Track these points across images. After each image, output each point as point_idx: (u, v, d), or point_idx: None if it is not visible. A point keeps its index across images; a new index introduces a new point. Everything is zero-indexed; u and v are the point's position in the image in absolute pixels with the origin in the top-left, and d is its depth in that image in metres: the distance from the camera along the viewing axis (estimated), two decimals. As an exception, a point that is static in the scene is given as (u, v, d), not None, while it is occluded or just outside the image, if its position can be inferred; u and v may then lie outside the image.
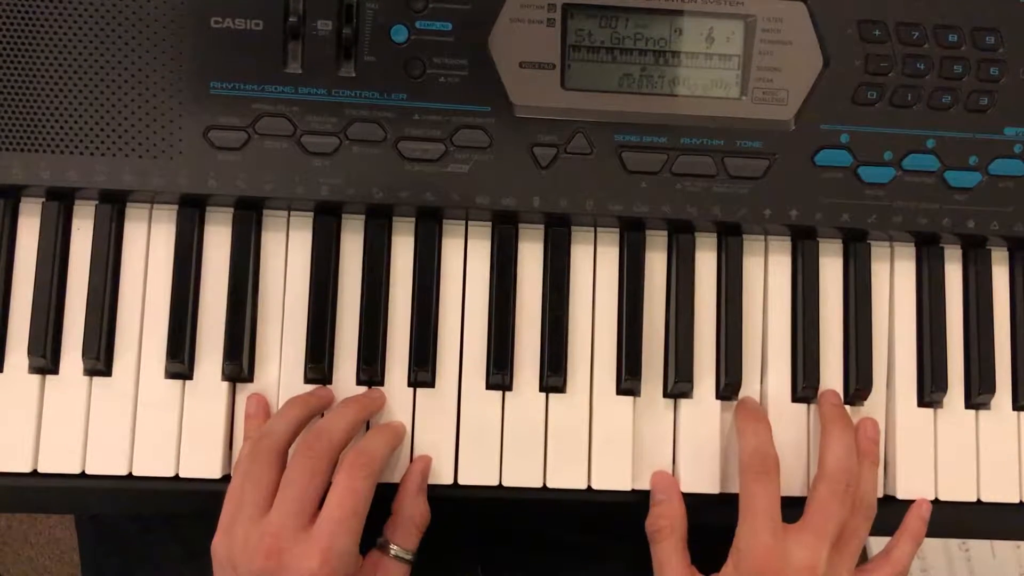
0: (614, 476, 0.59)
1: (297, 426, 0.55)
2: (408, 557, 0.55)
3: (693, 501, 0.59)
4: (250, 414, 0.57)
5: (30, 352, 0.57)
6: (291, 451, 0.54)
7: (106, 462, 0.57)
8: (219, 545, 0.52)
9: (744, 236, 0.62)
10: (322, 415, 0.58)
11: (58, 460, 0.57)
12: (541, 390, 0.60)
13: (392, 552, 0.55)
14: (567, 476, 0.59)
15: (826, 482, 0.56)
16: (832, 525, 0.55)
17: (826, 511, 0.55)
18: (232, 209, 0.59)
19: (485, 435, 0.59)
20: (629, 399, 0.60)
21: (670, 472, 0.60)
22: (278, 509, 0.51)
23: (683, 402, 0.60)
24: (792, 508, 0.56)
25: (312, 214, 0.59)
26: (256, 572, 0.50)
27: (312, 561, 0.49)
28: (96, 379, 0.58)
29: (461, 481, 0.58)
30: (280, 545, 0.50)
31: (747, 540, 0.54)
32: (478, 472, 0.59)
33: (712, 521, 0.60)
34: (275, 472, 0.52)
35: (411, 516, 0.56)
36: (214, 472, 0.57)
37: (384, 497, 0.55)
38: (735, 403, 0.60)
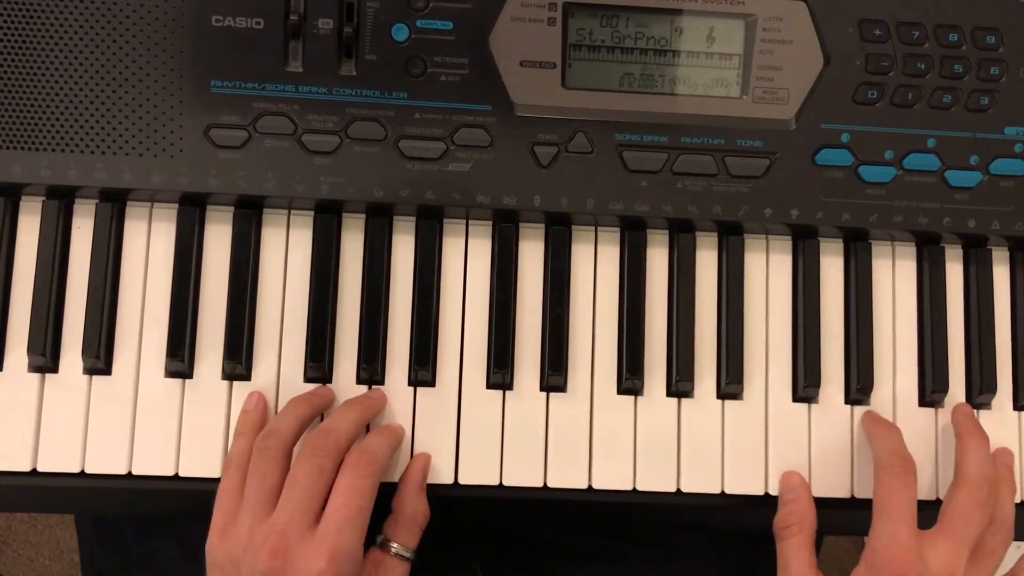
0: (615, 476, 0.59)
1: (301, 425, 0.55)
2: (408, 555, 0.55)
3: (693, 501, 0.60)
4: (247, 410, 0.57)
5: (30, 351, 0.57)
6: (295, 450, 0.54)
7: (106, 461, 0.57)
8: (216, 546, 0.52)
9: (745, 235, 0.62)
10: (322, 417, 0.58)
11: (58, 459, 0.57)
12: (542, 389, 0.60)
13: (393, 550, 0.55)
14: (568, 476, 0.59)
15: (967, 488, 0.55)
16: (972, 532, 0.54)
17: (967, 517, 0.54)
18: (232, 208, 0.59)
19: (485, 434, 0.59)
20: (630, 398, 0.60)
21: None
22: (284, 508, 0.51)
23: (684, 401, 0.60)
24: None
25: (312, 213, 0.59)
26: (261, 571, 0.49)
27: (319, 560, 0.49)
28: (96, 378, 0.58)
29: (461, 480, 0.58)
30: (286, 544, 0.50)
31: (885, 539, 0.53)
32: (478, 471, 0.59)
33: (714, 522, 0.60)
34: (281, 470, 0.52)
35: (412, 514, 0.56)
36: (214, 471, 0.57)
37: (383, 496, 0.55)
38: (737, 403, 0.60)
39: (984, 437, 0.58)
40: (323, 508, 0.52)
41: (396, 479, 0.57)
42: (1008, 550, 0.57)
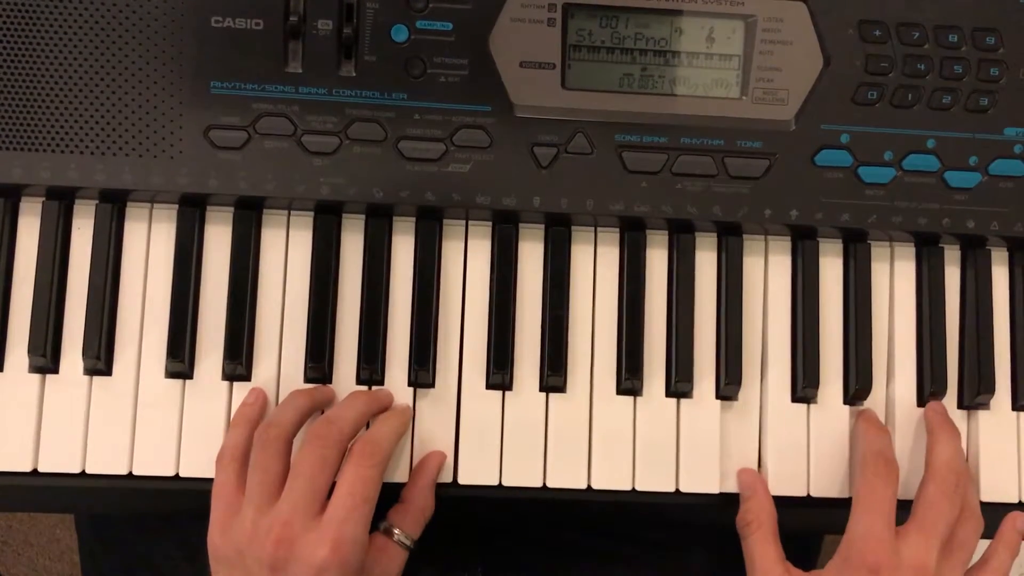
0: (614, 476, 0.59)
1: (302, 417, 0.55)
2: (410, 544, 0.56)
3: (692, 501, 0.60)
4: (247, 403, 0.57)
5: (30, 351, 0.57)
6: (297, 441, 0.54)
7: (106, 461, 0.57)
8: (219, 539, 0.52)
9: (744, 236, 0.62)
10: (321, 412, 0.58)
11: (58, 459, 0.57)
12: (541, 390, 0.60)
13: (396, 537, 0.55)
14: (567, 476, 0.59)
15: (935, 481, 0.56)
16: (942, 524, 0.54)
17: (936, 509, 0.55)
18: (232, 208, 0.59)
19: (485, 435, 0.59)
20: (629, 399, 0.60)
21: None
22: (288, 498, 0.51)
23: (683, 401, 0.60)
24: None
25: (312, 213, 0.60)
26: (266, 561, 0.50)
27: (323, 550, 0.50)
28: (96, 378, 0.58)
29: (461, 480, 0.59)
30: (291, 534, 0.50)
31: (861, 530, 0.54)
32: (478, 472, 0.59)
33: (712, 521, 0.60)
34: (283, 462, 0.53)
35: (421, 508, 0.56)
36: (214, 471, 0.57)
37: (386, 495, 0.55)
38: (734, 403, 0.60)
39: (954, 431, 0.59)
40: (327, 497, 0.52)
41: (401, 480, 0.58)
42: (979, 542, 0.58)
